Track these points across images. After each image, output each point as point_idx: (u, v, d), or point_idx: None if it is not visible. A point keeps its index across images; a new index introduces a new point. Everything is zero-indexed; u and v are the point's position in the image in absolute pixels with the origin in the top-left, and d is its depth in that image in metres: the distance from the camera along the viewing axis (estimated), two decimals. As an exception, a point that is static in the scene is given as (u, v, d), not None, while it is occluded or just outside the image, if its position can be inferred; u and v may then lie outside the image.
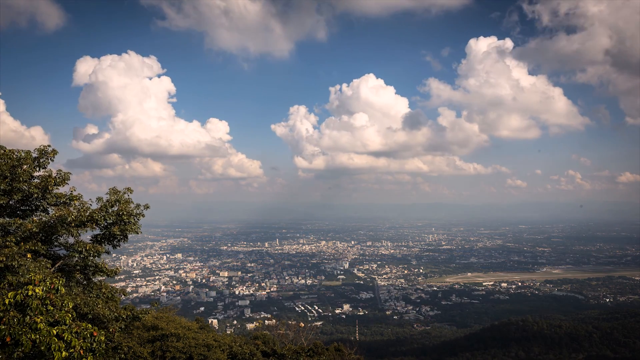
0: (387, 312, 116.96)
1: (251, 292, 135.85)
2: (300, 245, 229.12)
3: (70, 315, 7.53)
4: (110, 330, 10.42)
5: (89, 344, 7.32)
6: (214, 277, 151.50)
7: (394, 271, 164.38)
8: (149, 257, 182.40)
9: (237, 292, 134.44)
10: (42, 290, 7.28)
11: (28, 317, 6.98)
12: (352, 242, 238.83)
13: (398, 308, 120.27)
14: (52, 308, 7.47)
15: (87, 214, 13.09)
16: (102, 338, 7.55)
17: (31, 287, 7.18)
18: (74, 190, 14.08)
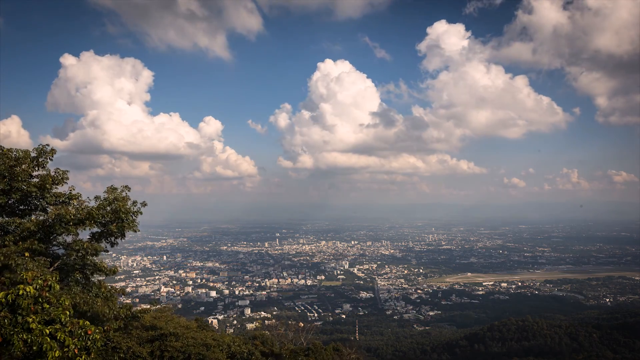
0: (387, 312, 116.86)
1: (251, 292, 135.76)
2: (300, 245, 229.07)
3: (67, 313, 7.49)
4: (105, 328, 10.38)
5: (83, 343, 7.29)
6: (214, 277, 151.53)
7: (394, 271, 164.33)
8: (149, 257, 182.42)
9: (237, 292, 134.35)
10: (35, 288, 7.24)
11: (20, 317, 6.95)
12: (352, 242, 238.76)
13: (398, 308, 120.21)
14: (47, 306, 7.43)
15: (85, 212, 13.09)
16: (97, 336, 7.52)
17: (22, 286, 7.13)
18: (73, 189, 14.07)
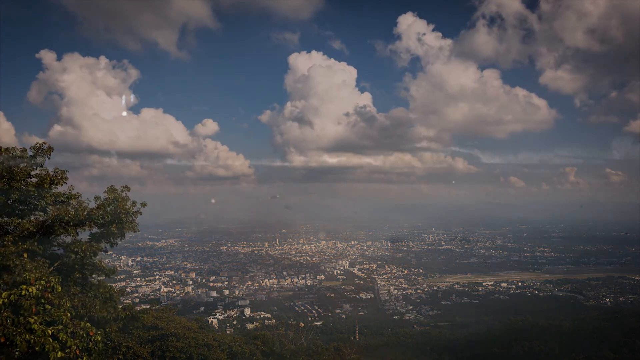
0: (387, 312, 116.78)
1: (251, 292, 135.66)
2: (300, 245, 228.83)
3: (67, 315, 7.45)
4: (107, 329, 10.32)
5: (85, 344, 7.25)
6: (214, 277, 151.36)
7: (394, 271, 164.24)
8: (149, 257, 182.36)
9: (237, 292, 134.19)
10: (38, 289, 7.19)
11: (22, 317, 6.91)
12: (352, 242, 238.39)
13: (398, 308, 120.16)
14: (49, 307, 7.39)
15: (85, 213, 12.98)
16: (99, 338, 7.48)
17: (25, 286, 7.09)
18: (73, 188, 13.97)
